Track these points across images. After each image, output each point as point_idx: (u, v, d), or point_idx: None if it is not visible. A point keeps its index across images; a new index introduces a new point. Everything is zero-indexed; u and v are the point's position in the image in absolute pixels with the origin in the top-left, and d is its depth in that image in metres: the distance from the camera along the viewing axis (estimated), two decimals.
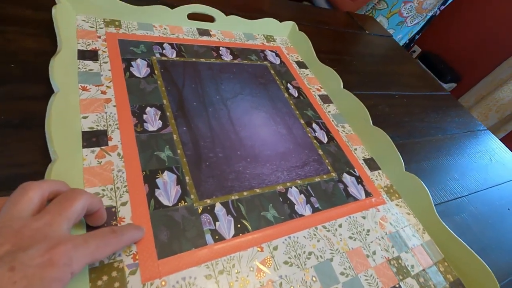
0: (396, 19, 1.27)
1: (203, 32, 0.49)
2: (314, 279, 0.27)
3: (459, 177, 0.49)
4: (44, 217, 0.18)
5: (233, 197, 0.30)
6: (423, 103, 0.63)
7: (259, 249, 0.27)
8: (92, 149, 0.28)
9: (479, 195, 0.47)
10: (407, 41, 1.45)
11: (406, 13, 1.25)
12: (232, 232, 0.28)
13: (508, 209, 0.47)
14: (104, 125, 0.30)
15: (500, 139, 0.63)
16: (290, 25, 0.57)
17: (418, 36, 1.46)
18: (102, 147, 0.28)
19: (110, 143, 0.29)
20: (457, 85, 1.93)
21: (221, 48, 0.47)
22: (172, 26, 0.47)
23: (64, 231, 0.19)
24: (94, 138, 0.29)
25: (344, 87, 0.48)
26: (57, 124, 0.26)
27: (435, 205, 0.37)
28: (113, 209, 0.25)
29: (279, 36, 0.57)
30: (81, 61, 0.35)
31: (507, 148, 0.62)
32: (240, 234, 0.28)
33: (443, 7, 1.30)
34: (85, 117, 0.30)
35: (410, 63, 0.77)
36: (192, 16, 0.47)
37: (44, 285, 0.16)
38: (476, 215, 0.44)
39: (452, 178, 0.48)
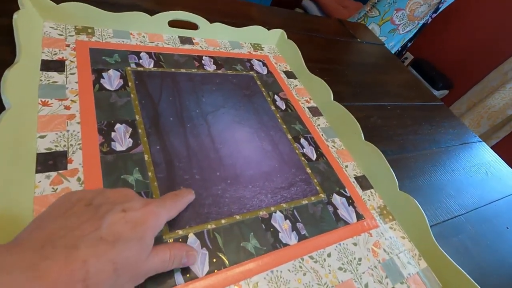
0: (388, 27, 1.26)
1: (185, 40, 0.46)
2: None
3: (455, 193, 0.46)
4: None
5: (209, 226, 0.27)
6: (416, 114, 0.61)
7: None
8: (47, 173, 0.25)
9: (476, 213, 0.45)
10: (399, 49, 1.44)
11: (398, 21, 1.24)
12: (207, 268, 0.24)
13: (507, 228, 0.45)
14: (65, 145, 0.27)
15: (491, 147, 0.62)
16: (278, 33, 0.55)
17: (410, 44, 1.46)
18: (60, 171, 0.25)
19: (70, 166, 0.26)
20: (449, 92, 1.93)
21: (204, 57, 0.44)
22: (152, 34, 0.44)
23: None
24: (51, 161, 0.25)
25: (334, 99, 0.46)
26: (4, 147, 0.23)
27: (431, 226, 0.35)
28: None
29: (267, 45, 0.55)
30: (44, 72, 0.32)
31: (502, 161, 0.60)
32: (216, 271, 0.24)
33: (435, 15, 1.30)
34: (42, 137, 0.27)
35: (403, 72, 0.75)
36: (174, 24, 0.45)
37: (146, 229, 0.19)
38: (474, 235, 0.41)
39: (448, 195, 0.45)
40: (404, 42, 1.40)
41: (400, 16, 1.23)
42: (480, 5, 1.71)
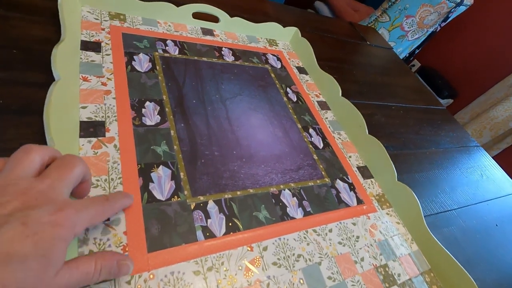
0: (398, 33, 1.29)
1: (207, 32, 0.49)
2: (301, 281, 0.27)
3: (449, 190, 0.49)
4: (46, 180, 0.19)
5: (226, 196, 0.30)
6: (419, 116, 0.64)
7: (249, 249, 0.28)
8: (89, 139, 0.28)
9: (468, 210, 0.48)
10: (407, 55, 1.47)
11: (408, 27, 1.27)
12: (223, 230, 0.28)
13: (496, 225, 0.48)
14: (103, 116, 0.30)
15: (493, 157, 0.64)
16: (293, 30, 0.58)
17: (418, 51, 1.49)
18: (99, 138, 0.29)
19: (108, 135, 0.29)
20: (454, 101, 1.95)
21: (223, 48, 0.48)
22: (177, 23, 0.47)
23: (64, 196, 0.19)
24: (92, 129, 0.29)
25: (342, 95, 0.49)
26: (55, 112, 0.26)
27: (424, 216, 0.38)
28: None
29: (282, 41, 0.58)
30: (83, 51, 0.35)
31: (498, 165, 0.63)
32: (231, 233, 0.28)
33: (444, 23, 1.33)
34: (84, 107, 0.30)
35: (409, 76, 0.78)
36: (197, 15, 0.48)
37: (53, 243, 0.17)
38: (464, 229, 0.44)
39: (442, 191, 0.49)
40: (412, 49, 1.43)
41: (410, 23, 1.26)
42: (489, 17, 1.73)
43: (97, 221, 0.22)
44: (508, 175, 0.63)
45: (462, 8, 1.27)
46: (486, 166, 0.61)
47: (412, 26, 1.27)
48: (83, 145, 0.27)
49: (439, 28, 1.35)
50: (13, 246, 0.15)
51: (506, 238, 0.47)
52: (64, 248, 0.17)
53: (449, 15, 1.28)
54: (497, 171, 0.62)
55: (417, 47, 1.45)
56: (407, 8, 1.22)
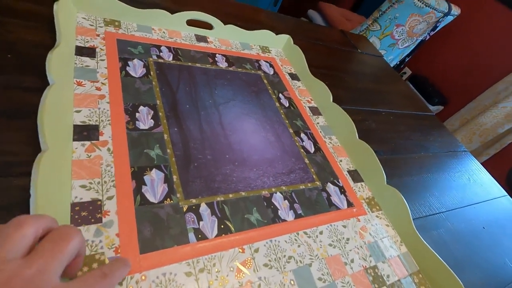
0: (388, 41, 1.32)
1: (201, 39, 0.50)
2: (292, 282, 0.28)
3: (438, 194, 0.51)
4: (37, 262, 0.17)
5: (218, 199, 0.31)
6: (408, 121, 0.66)
7: (240, 250, 0.28)
8: (82, 142, 0.28)
9: (456, 213, 0.49)
10: (398, 63, 1.50)
11: (398, 36, 1.31)
12: (215, 232, 0.28)
13: (483, 228, 0.49)
14: (96, 120, 0.31)
15: (482, 163, 0.66)
16: (285, 38, 0.59)
17: (408, 59, 1.52)
18: (93, 141, 0.29)
19: (101, 138, 0.30)
20: (444, 108, 1.99)
21: (217, 55, 0.49)
22: (171, 30, 0.48)
23: (56, 279, 0.17)
24: (85, 132, 0.29)
25: (333, 101, 0.50)
26: (49, 116, 0.26)
27: (413, 219, 0.39)
28: (99, 203, 0.25)
29: (275, 48, 0.59)
30: (78, 57, 0.35)
31: (485, 170, 0.65)
32: (223, 235, 0.28)
33: (432, 32, 1.37)
34: (78, 111, 0.30)
35: (399, 83, 0.80)
36: (191, 23, 0.49)
37: None
38: (452, 231, 0.45)
39: (431, 194, 0.50)
40: (403, 57, 1.47)
41: (400, 31, 1.29)
42: (476, 26, 1.78)
43: None
44: (498, 180, 0.64)
45: (449, 18, 1.31)
46: (473, 170, 0.63)
47: (402, 35, 1.30)
48: (76, 148, 0.28)
49: (428, 37, 1.39)
50: None
51: (493, 240, 0.48)
52: None
53: (438, 25, 1.31)
54: (484, 175, 0.63)
55: (407, 55, 1.49)
56: (397, 17, 1.26)
